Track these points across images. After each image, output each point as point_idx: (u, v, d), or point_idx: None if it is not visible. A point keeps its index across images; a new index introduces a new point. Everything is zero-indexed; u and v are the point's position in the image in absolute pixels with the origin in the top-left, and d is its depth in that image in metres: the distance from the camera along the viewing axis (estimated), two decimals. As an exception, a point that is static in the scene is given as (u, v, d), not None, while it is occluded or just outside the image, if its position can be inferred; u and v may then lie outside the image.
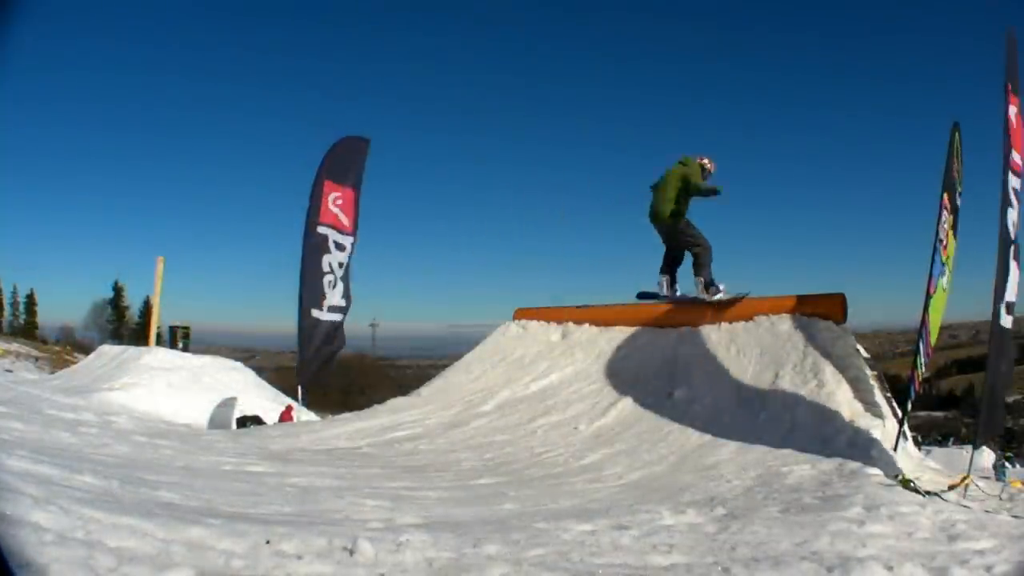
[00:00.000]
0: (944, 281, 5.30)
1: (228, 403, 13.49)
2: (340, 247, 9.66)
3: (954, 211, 5.35)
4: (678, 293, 7.97)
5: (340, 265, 9.61)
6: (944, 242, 5.16)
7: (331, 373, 10.37)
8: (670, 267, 8.01)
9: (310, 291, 9.37)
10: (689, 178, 7.53)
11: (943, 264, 5.19)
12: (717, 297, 7.53)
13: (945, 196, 5.15)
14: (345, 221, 9.75)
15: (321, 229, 9.49)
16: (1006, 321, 5.04)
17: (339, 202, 9.69)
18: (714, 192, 7.65)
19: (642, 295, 8.25)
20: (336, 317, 9.63)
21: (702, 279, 7.60)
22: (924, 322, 5.02)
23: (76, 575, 1.95)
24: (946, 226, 5.17)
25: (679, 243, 7.81)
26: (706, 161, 7.78)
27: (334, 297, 9.57)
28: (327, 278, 9.46)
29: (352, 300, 9.81)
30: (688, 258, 7.87)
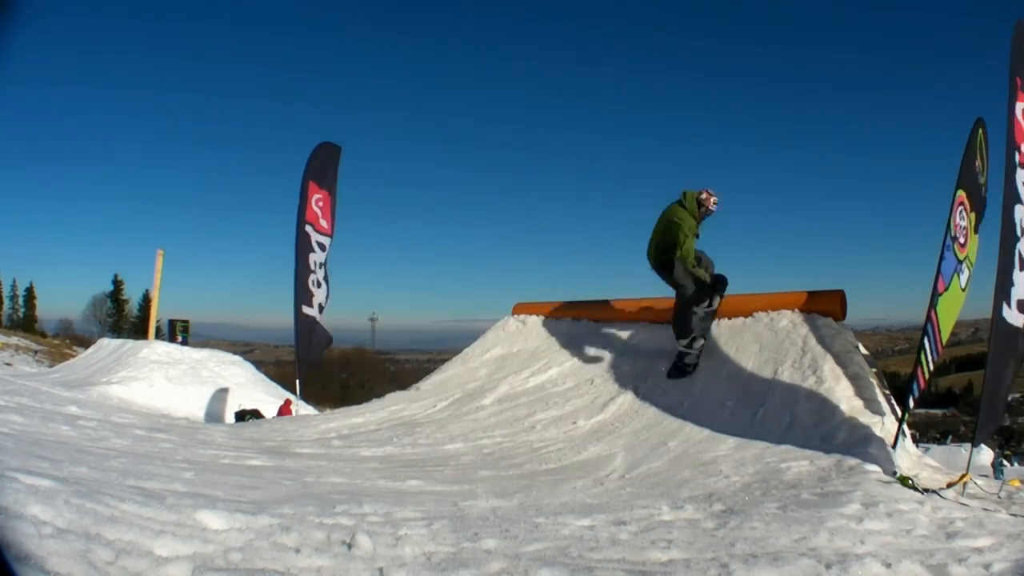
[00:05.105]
0: (963, 280, 5.22)
1: (227, 396, 13.53)
2: (321, 247, 9.99)
3: (975, 209, 5.27)
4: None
5: (320, 265, 9.90)
6: (961, 240, 5.09)
7: (319, 366, 10.60)
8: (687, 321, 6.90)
9: (301, 289, 9.68)
10: (675, 235, 6.59)
11: (959, 262, 5.12)
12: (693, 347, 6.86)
13: (962, 193, 5.05)
14: (324, 223, 10.05)
15: (307, 228, 9.80)
16: (1017, 320, 4.98)
17: (320, 204, 10.01)
18: (696, 279, 6.69)
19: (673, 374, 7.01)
20: (316, 313, 9.90)
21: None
22: (931, 319, 4.96)
23: (74, 568, 1.94)
24: (962, 223, 5.10)
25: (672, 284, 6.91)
26: (704, 195, 6.73)
27: (319, 295, 9.88)
28: (311, 277, 9.76)
29: (328, 300, 10.09)
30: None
